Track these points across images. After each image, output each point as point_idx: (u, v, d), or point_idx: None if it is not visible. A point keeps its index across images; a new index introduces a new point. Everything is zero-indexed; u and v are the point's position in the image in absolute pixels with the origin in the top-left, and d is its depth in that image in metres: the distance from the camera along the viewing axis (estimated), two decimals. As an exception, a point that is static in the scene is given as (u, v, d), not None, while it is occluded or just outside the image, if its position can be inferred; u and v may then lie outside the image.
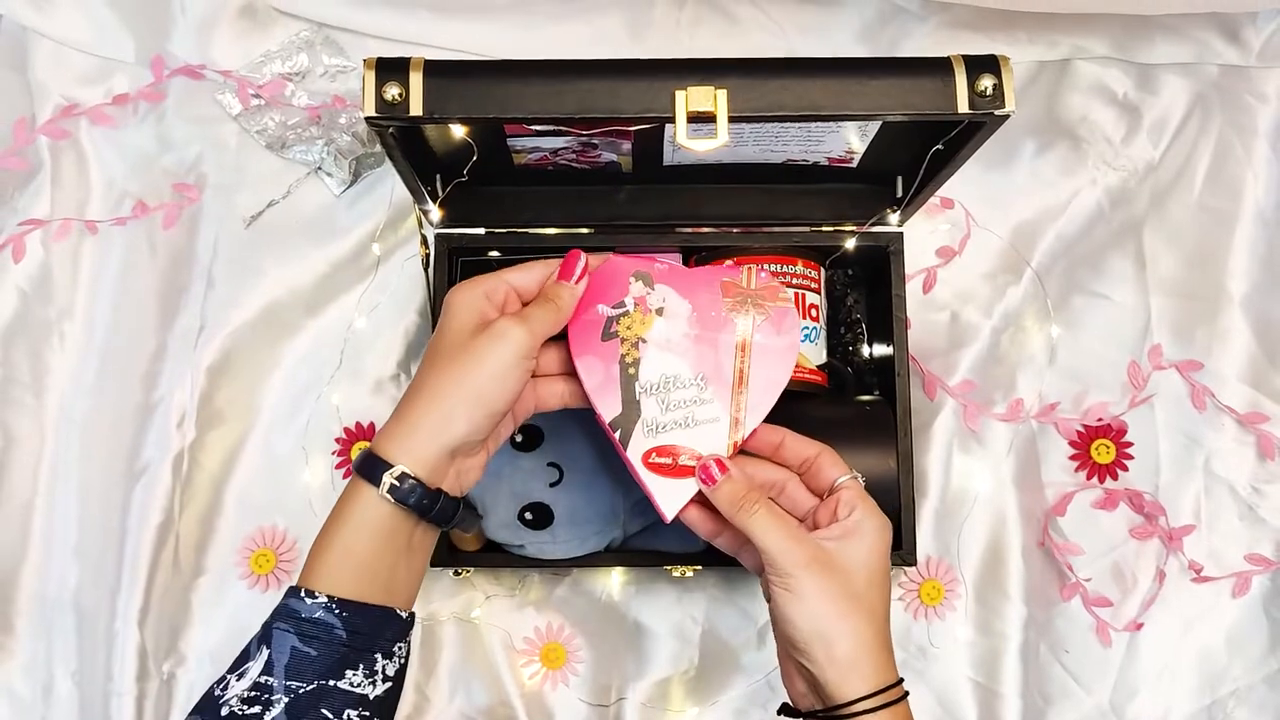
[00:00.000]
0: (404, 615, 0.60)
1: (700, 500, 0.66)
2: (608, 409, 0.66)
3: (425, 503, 0.59)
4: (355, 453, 0.88)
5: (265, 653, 0.56)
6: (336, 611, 0.57)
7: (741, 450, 0.66)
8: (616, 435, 0.66)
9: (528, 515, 0.78)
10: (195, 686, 0.86)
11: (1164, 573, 0.89)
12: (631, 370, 0.67)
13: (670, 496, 0.66)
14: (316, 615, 0.57)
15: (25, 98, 0.92)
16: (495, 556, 0.82)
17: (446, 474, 0.61)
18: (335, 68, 0.93)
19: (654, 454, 0.66)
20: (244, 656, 0.57)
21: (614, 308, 0.67)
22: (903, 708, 0.61)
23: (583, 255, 0.65)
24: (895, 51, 0.94)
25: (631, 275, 0.68)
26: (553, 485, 0.77)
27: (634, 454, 0.66)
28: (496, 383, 0.60)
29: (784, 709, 0.65)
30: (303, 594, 0.57)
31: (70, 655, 0.87)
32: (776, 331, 0.68)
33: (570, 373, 0.67)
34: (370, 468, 0.58)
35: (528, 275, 0.65)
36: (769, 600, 0.62)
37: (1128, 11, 0.92)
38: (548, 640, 0.88)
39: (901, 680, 0.61)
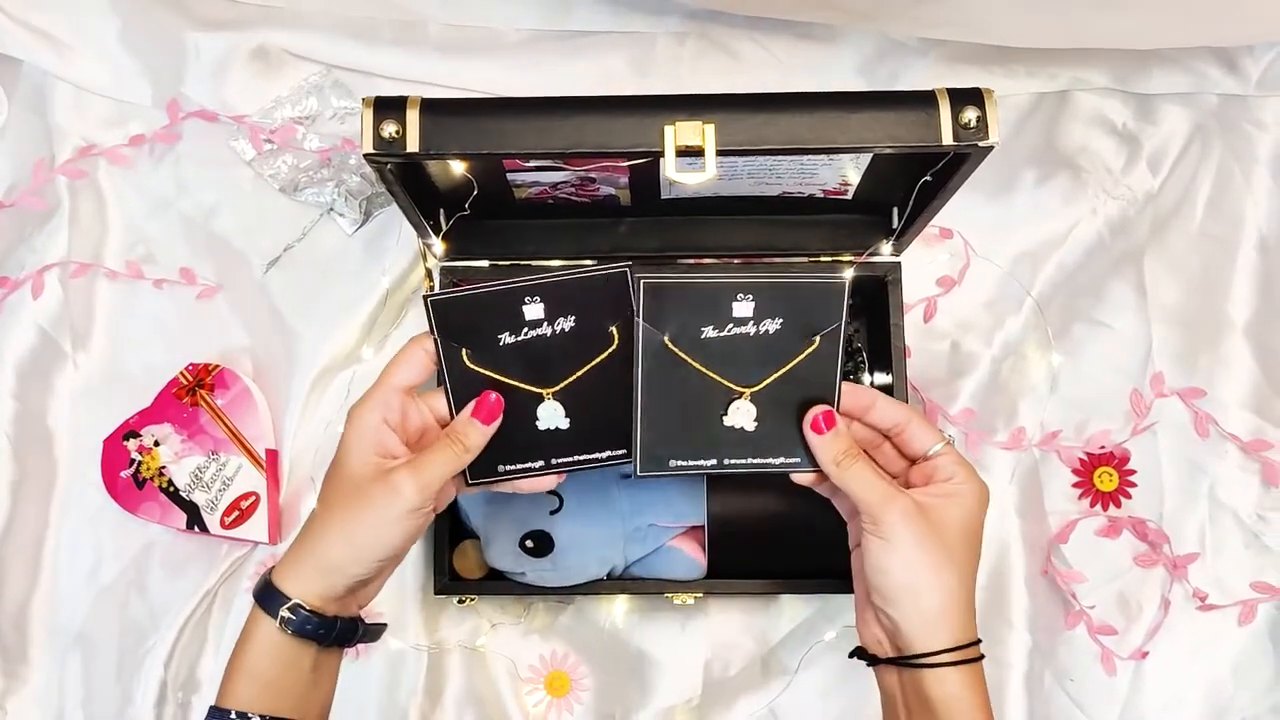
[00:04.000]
0: None
1: None
2: (175, 519, 0.86)
3: (321, 631, 0.61)
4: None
5: None
6: None
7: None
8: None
9: (528, 543, 0.79)
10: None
11: (1169, 601, 0.88)
12: (169, 486, 0.87)
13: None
14: None
15: (45, 140, 0.95)
16: (497, 584, 0.83)
17: (345, 601, 0.62)
18: (344, 110, 0.95)
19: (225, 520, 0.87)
20: None
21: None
22: (978, 669, 0.62)
23: (498, 397, 0.64)
24: (894, 85, 0.95)
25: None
26: (553, 513, 0.79)
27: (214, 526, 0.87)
28: (385, 535, 0.61)
29: (858, 652, 0.66)
30: (228, 713, 0.60)
31: (78, 685, 0.88)
32: None
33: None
34: (267, 599, 0.61)
35: (409, 370, 0.65)
36: (857, 547, 0.64)
37: (1123, 46, 0.93)
38: (552, 668, 0.88)
39: (980, 642, 0.62)
